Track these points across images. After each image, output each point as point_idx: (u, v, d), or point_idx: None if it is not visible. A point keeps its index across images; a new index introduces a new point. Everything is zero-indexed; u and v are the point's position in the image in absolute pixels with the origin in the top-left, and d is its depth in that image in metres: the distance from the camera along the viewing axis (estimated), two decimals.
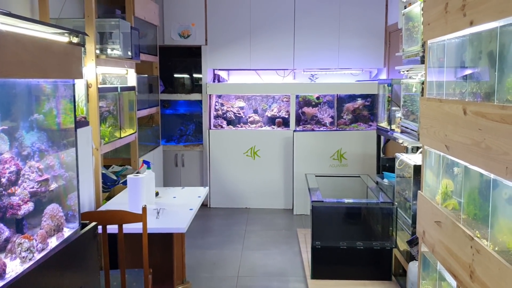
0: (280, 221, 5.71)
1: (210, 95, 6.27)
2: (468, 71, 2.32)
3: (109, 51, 4.22)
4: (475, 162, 2.06)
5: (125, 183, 4.13)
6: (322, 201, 4.03)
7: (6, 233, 1.73)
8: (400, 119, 4.07)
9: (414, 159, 3.57)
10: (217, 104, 6.45)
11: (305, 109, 6.29)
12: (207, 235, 5.24)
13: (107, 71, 4.38)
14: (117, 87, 4.43)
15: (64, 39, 3.19)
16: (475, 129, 2.04)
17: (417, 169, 3.36)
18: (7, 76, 1.63)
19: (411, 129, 3.71)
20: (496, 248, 1.95)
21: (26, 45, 1.72)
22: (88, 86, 3.84)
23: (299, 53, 6.28)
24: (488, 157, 1.92)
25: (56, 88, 2.12)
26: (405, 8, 3.91)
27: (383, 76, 6.25)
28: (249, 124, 6.33)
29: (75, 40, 3.32)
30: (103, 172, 4.19)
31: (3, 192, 1.76)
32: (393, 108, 4.78)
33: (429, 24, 2.72)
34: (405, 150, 4.19)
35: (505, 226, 1.96)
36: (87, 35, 3.75)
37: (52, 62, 1.90)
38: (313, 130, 6.11)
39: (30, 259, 1.75)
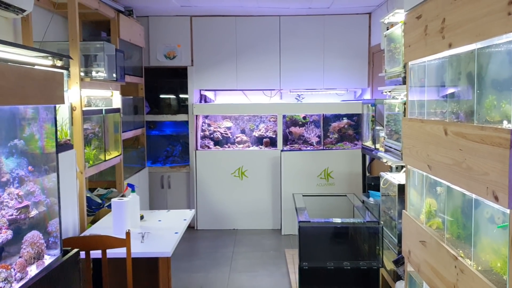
0: (268, 242, 5.68)
1: (196, 115, 6.27)
2: (448, 92, 2.35)
3: (94, 73, 4.22)
4: (457, 182, 2.08)
5: (110, 206, 4.10)
6: (309, 221, 4.02)
7: None
8: (384, 139, 4.10)
9: (398, 178, 3.59)
10: (204, 124, 6.45)
11: (292, 129, 6.31)
12: (194, 258, 5.19)
13: (92, 93, 4.37)
14: (101, 110, 4.42)
15: (48, 62, 3.18)
16: (456, 149, 2.06)
17: (402, 188, 3.38)
18: None
19: (394, 149, 3.74)
20: (480, 268, 1.95)
21: (5, 73, 1.71)
22: (72, 109, 3.83)
23: (285, 74, 6.33)
24: (469, 177, 1.93)
25: (37, 112, 2.11)
26: (387, 29, 3.97)
27: (367, 96, 6.31)
28: (236, 144, 6.33)
29: (59, 63, 3.31)
30: (88, 195, 4.15)
31: None
32: (377, 127, 4.81)
33: (409, 46, 2.77)
34: (390, 169, 4.21)
35: (488, 245, 1.97)
36: (71, 58, 3.75)
37: (32, 88, 1.90)
38: (300, 149, 6.13)
39: None
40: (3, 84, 1.66)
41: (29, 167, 1.99)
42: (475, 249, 2.04)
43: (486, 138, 1.78)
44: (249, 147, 6.29)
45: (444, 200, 2.40)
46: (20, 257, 1.87)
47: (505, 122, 1.74)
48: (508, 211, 1.66)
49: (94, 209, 4.11)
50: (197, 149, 6.25)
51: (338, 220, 4.19)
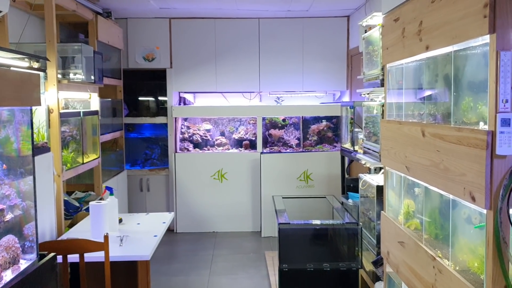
0: (248, 244, 5.67)
1: (176, 118, 6.24)
2: (425, 94, 2.39)
3: (71, 75, 4.16)
4: (435, 183, 2.10)
5: (88, 209, 4.04)
6: (289, 223, 4.03)
7: None
8: (363, 141, 4.13)
9: (377, 179, 3.62)
10: (183, 127, 6.42)
11: (272, 131, 6.32)
12: (173, 261, 5.15)
13: (69, 95, 4.31)
14: (79, 112, 4.36)
15: (24, 64, 3.13)
16: (433, 151, 2.09)
17: (380, 190, 3.40)
18: None
19: (373, 150, 3.77)
20: (457, 268, 1.98)
21: None
22: (49, 111, 3.77)
23: (265, 76, 6.34)
24: (447, 178, 1.96)
25: (13, 114, 2.07)
26: (365, 32, 4.01)
27: (346, 98, 6.36)
28: (216, 146, 6.31)
29: (35, 65, 3.26)
30: (65, 199, 4.09)
31: None
32: (356, 129, 4.85)
33: (387, 49, 2.80)
34: (368, 170, 4.25)
35: (465, 245, 2.00)
36: (48, 60, 3.69)
37: (7, 90, 1.86)
38: (280, 152, 6.14)
39: None
40: None
41: (4, 166, 1.95)
42: (453, 249, 2.07)
43: (463, 139, 1.81)
44: (229, 149, 6.28)
45: (422, 201, 2.43)
46: None
47: (481, 123, 1.77)
48: (485, 211, 1.68)
49: (72, 213, 4.05)
50: (176, 151, 6.21)
51: (318, 222, 4.21)
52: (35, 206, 2.13)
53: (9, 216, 1.92)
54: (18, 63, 3.18)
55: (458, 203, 2.00)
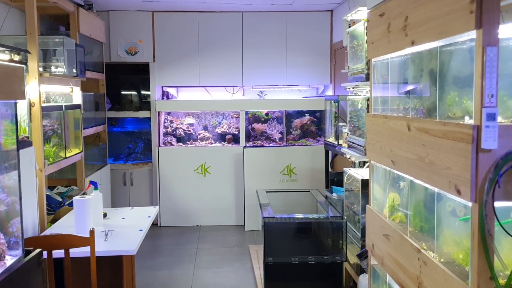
0: (232, 238, 5.68)
1: (159, 112, 6.20)
2: (410, 88, 2.41)
3: (53, 68, 4.10)
4: (420, 176, 2.13)
5: (71, 204, 4.00)
6: (274, 217, 4.05)
7: None
8: (347, 135, 4.16)
9: (362, 173, 3.66)
10: (166, 121, 6.38)
11: (255, 125, 6.33)
12: (157, 255, 5.13)
13: (51, 89, 4.25)
14: (61, 106, 4.30)
15: (5, 56, 3.08)
16: (419, 145, 2.11)
17: (365, 183, 3.44)
18: None
19: (358, 144, 3.80)
20: (442, 260, 2.01)
21: None
22: (31, 105, 3.71)
23: (248, 70, 6.33)
24: (432, 171, 1.99)
25: None
26: (349, 26, 4.03)
27: (330, 92, 6.39)
28: (199, 141, 6.30)
29: (16, 57, 3.21)
30: (48, 194, 4.04)
31: None
32: (340, 123, 4.88)
33: (372, 43, 2.81)
34: (353, 164, 4.28)
35: (450, 237, 2.03)
36: (29, 53, 3.63)
37: None
38: (263, 146, 6.14)
39: None
40: None
41: None
42: (438, 241, 2.10)
43: (449, 133, 1.83)
44: (212, 143, 6.27)
45: (407, 194, 2.46)
46: None
47: (466, 117, 1.79)
48: (470, 204, 1.71)
49: (55, 208, 4.00)
50: (159, 146, 6.18)
51: (302, 216, 4.23)
52: (20, 201, 2.10)
53: None
54: None
55: (443, 196, 2.03)
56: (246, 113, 6.26)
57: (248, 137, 6.27)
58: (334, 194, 4.60)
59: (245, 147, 6.07)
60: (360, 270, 3.61)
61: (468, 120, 1.78)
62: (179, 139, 6.29)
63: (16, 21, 4.38)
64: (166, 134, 6.31)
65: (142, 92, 6.45)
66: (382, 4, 2.62)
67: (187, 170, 6.10)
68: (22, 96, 2.12)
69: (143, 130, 6.52)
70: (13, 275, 1.88)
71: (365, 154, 3.36)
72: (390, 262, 2.56)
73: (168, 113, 6.40)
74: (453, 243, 1.99)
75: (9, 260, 1.97)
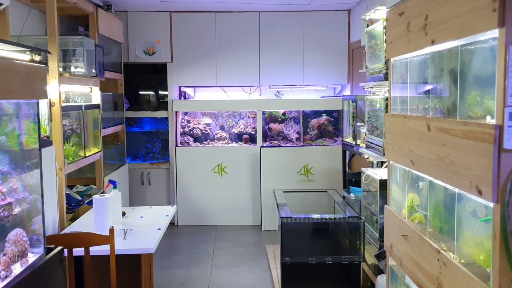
0: (248, 238, 5.69)
1: (176, 112, 6.23)
2: (430, 88, 2.39)
3: (72, 69, 4.15)
4: (440, 176, 2.11)
5: (90, 203, 4.05)
6: (291, 217, 4.04)
7: None
8: (365, 135, 4.14)
9: (380, 173, 3.63)
10: (183, 121, 6.41)
11: (272, 125, 6.33)
12: (174, 254, 5.16)
13: (70, 89, 4.30)
14: (81, 105, 4.35)
15: (26, 57, 3.12)
16: (439, 145, 2.09)
17: (383, 184, 3.42)
18: None
19: (376, 144, 3.78)
20: (462, 261, 1.99)
21: None
22: (51, 105, 3.76)
23: (265, 70, 6.33)
24: (453, 171, 1.97)
25: (19, 108, 2.07)
26: (367, 26, 4.00)
27: (347, 92, 6.36)
28: (216, 140, 6.32)
29: (37, 58, 3.25)
30: (67, 192, 4.09)
31: None
32: (358, 123, 4.86)
33: (392, 43, 2.79)
34: (370, 164, 4.26)
35: (470, 238, 2.01)
36: (50, 53, 3.68)
37: (15, 82, 1.86)
38: (279, 146, 6.14)
39: None
40: None
41: (11, 164, 1.95)
42: (458, 242, 2.08)
43: (470, 133, 1.81)
44: (229, 143, 6.29)
45: (426, 194, 2.44)
46: (4, 255, 1.83)
47: (488, 117, 1.77)
48: (491, 204, 1.69)
49: (74, 206, 4.05)
50: (176, 145, 6.21)
51: (320, 216, 4.22)
52: (42, 199, 2.13)
53: (17, 210, 1.92)
54: (20, 56, 3.17)
55: (463, 196, 2.01)
56: (263, 113, 6.26)
57: (265, 137, 6.28)
58: (352, 195, 4.58)
59: (262, 147, 6.07)
60: (378, 271, 3.58)
61: (489, 120, 1.76)
62: (196, 139, 6.32)
63: (37, 22, 4.45)
64: (183, 134, 6.34)
65: (160, 92, 6.49)
66: (401, 3, 2.60)
67: (204, 170, 6.13)
68: (44, 96, 2.15)
69: (160, 130, 6.56)
70: (35, 272, 1.91)
71: (384, 154, 3.34)
72: (409, 263, 2.54)
73: (185, 113, 6.43)
74: (473, 244, 1.97)
75: (31, 257, 2.00)
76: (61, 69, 3.94)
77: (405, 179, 2.73)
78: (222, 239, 5.64)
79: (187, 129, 6.36)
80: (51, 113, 3.77)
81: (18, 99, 1.95)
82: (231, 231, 5.93)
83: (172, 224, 6.10)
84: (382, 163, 3.91)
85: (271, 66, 6.32)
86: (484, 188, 1.72)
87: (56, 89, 3.77)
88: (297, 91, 6.64)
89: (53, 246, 2.18)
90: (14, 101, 1.99)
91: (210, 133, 6.38)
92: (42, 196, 2.15)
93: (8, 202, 1.86)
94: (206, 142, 6.31)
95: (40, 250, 2.10)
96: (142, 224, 3.49)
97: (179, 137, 6.30)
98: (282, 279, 4.01)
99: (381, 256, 3.39)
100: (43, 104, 3.67)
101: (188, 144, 6.25)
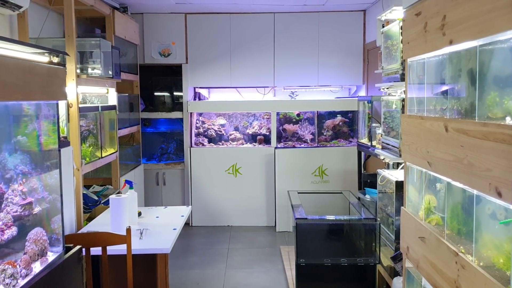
0: (263, 239, 5.69)
1: (191, 113, 6.26)
2: (448, 88, 2.37)
3: (89, 70, 4.19)
4: (458, 178, 2.09)
5: (106, 203, 4.09)
6: (306, 218, 4.04)
7: None
8: (381, 136, 4.12)
9: (396, 175, 3.61)
10: (198, 122, 6.44)
11: (286, 126, 6.32)
12: (189, 254, 5.18)
13: (87, 90, 4.34)
14: (98, 107, 4.40)
15: (45, 59, 3.16)
16: (457, 146, 2.08)
17: (399, 185, 3.40)
18: None
19: (392, 145, 3.76)
20: (481, 264, 1.97)
21: (10, 68, 1.70)
22: (69, 106, 3.80)
23: (279, 71, 6.33)
24: (471, 173, 1.95)
25: (39, 109, 2.10)
26: (383, 26, 3.98)
27: (362, 93, 6.33)
28: (230, 141, 6.33)
29: (55, 59, 3.30)
30: (84, 192, 4.13)
31: None
32: (374, 124, 4.83)
33: (408, 43, 2.78)
34: (386, 166, 4.24)
35: (489, 241, 1.99)
36: (68, 55, 3.73)
37: (36, 84, 1.88)
38: (294, 147, 6.14)
39: (13, 286, 1.71)
40: (10, 80, 1.65)
41: (31, 164, 1.97)
42: (477, 245, 2.06)
43: (489, 134, 1.79)
44: (243, 144, 6.30)
45: (444, 196, 2.42)
46: (24, 253, 1.86)
47: (507, 118, 1.75)
48: (511, 207, 1.67)
49: (91, 206, 4.09)
50: (191, 146, 6.24)
51: (335, 217, 4.21)
52: (61, 199, 2.16)
53: (37, 209, 1.95)
54: (39, 58, 3.22)
55: (482, 198, 1.99)
56: (278, 113, 6.27)
57: (280, 138, 6.28)
58: (367, 196, 4.55)
59: (276, 148, 6.07)
60: (394, 273, 3.56)
61: (509, 121, 1.74)
62: (211, 140, 6.35)
63: (55, 24, 4.50)
64: (198, 134, 6.37)
65: (175, 93, 6.53)
66: (418, 3, 2.59)
67: (218, 171, 6.14)
68: (64, 97, 2.18)
69: (175, 131, 6.60)
70: (54, 270, 1.94)
71: (400, 155, 3.32)
72: (426, 265, 2.53)
73: (200, 114, 6.46)
74: (493, 246, 1.95)
75: (50, 256, 2.03)
76: (78, 71, 3.98)
77: (421, 180, 2.71)
78: (237, 240, 5.65)
79: (201, 130, 6.38)
80: (68, 114, 3.82)
81: (38, 100, 1.98)
82: (246, 232, 5.94)
83: (186, 224, 6.13)
84: (398, 164, 3.88)
85: (285, 66, 6.32)
86: (504, 190, 1.70)
87: (74, 91, 3.81)
88: (312, 92, 6.63)
89: (71, 245, 2.21)
90: (34, 102, 2.02)
91: (224, 134, 6.39)
92: (61, 195, 2.17)
93: (29, 201, 1.89)
94: (220, 143, 6.33)
95: (59, 249, 2.13)
96: (157, 224, 3.51)
97: (193, 137, 6.33)
98: (297, 280, 4.00)
99: (397, 258, 3.37)
100: (61, 105, 3.71)
101: (203, 144, 6.28)
